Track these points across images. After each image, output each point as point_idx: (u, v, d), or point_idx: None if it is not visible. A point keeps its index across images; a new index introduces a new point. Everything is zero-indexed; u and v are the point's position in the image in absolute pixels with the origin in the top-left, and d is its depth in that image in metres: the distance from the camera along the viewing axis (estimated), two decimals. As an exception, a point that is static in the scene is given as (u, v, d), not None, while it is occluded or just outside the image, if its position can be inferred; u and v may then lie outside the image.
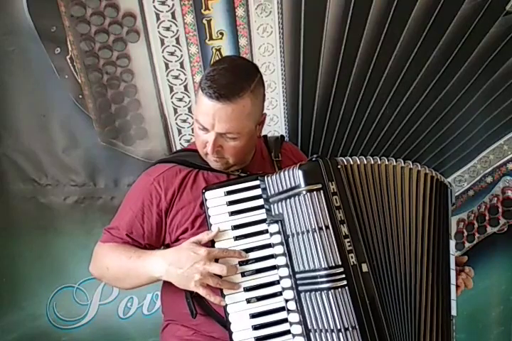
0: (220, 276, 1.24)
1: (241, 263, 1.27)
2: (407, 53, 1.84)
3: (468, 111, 1.97)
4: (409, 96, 1.91)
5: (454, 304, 1.33)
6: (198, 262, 1.22)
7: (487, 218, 2.12)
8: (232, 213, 1.30)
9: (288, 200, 1.24)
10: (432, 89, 1.91)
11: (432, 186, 1.35)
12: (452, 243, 1.38)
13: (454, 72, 1.90)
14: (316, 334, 1.20)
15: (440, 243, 1.33)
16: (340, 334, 1.17)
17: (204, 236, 1.28)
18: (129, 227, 1.38)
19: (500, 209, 2.11)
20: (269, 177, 1.29)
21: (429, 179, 1.36)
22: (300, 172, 1.22)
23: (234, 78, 1.29)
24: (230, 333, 1.25)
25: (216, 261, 1.25)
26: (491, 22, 1.85)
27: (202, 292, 1.24)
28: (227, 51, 1.75)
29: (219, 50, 1.75)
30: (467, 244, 2.14)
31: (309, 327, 1.21)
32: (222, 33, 1.73)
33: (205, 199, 1.31)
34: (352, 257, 1.19)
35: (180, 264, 1.24)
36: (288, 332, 1.24)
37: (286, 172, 1.25)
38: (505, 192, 2.10)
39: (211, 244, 1.29)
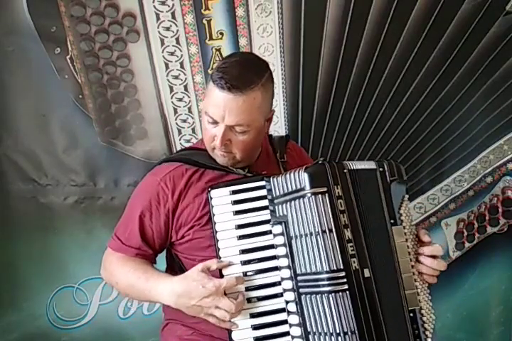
0: None
1: (243, 263, 1.27)
2: (407, 53, 1.84)
3: (468, 111, 1.97)
4: (409, 96, 1.91)
5: (414, 295, 1.27)
6: (208, 297, 1.21)
7: (487, 218, 2.12)
8: (237, 212, 1.30)
9: (292, 202, 1.23)
10: (431, 89, 1.91)
11: (373, 180, 1.30)
12: (398, 228, 1.30)
13: (454, 72, 1.90)
14: (315, 336, 1.19)
15: (379, 233, 1.27)
16: (339, 338, 1.16)
17: (213, 265, 1.26)
18: (141, 228, 1.37)
19: (500, 209, 2.11)
20: (274, 179, 1.29)
21: (365, 173, 1.29)
22: (306, 175, 1.21)
23: (245, 70, 1.29)
24: (230, 332, 1.25)
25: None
26: (491, 22, 1.85)
27: (212, 320, 1.24)
28: (227, 51, 1.75)
29: (219, 50, 1.75)
30: (467, 244, 2.14)
31: (308, 329, 1.20)
32: (222, 33, 1.74)
33: (210, 198, 1.31)
34: (354, 262, 1.19)
35: (189, 297, 1.22)
36: (287, 333, 1.24)
37: (292, 174, 1.24)
38: (505, 192, 2.10)
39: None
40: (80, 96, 1.75)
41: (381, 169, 1.31)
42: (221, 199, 1.31)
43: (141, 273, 1.32)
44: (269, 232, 1.28)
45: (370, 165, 1.31)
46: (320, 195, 1.20)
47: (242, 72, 1.28)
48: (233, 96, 1.26)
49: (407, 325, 1.25)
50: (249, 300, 1.25)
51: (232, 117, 1.28)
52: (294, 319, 1.23)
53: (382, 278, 1.23)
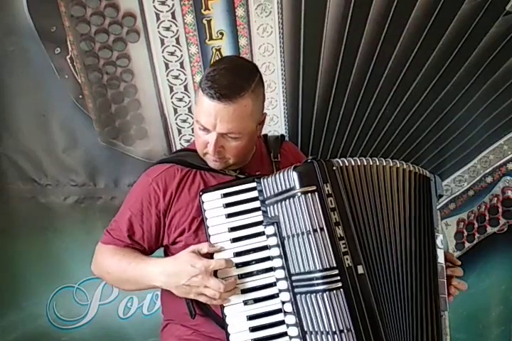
0: None
1: (238, 266, 1.27)
2: (407, 53, 1.84)
3: (468, 111, 1.97)
4: (409, 97, 1.91)
5: (444, 299, 1.32)
6: (196, 276, 1.23)
7: (487, 218, 2.12)
8: (229, 215, 1.30)
9: (283, 202, 1.24)
10: (431, 89, 1.91)
11: (415, 181, 1.34)
12: (439, 237, 1.35)
13: (454, 72, 1.90)
14: (312, 336, 1.20)
15: (424, 237, 1.31)
16: (336, 336, 1.17)
17: (204, 248, 1.27)
18: (129, 228, 1.39)
19: (500, 209, 2.11)
20: (265, 179, 1.29)
21: (413, 175, 1.34)
22: (295, 174, 1.22)
23: (234, 78, 1.28)
24: (228, 335, 1.26)
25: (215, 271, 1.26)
26: (491, 22, 1.85)
27: (202, 299, 1.26)
28: (227, 51, 1.75)
29: (219, 50, 1.75)
30: (467, 244, 2.14)
31: (305, 329, 1.21)
32: (222, 33, 1.73)
33: (202, 202, 1.31)
34: (347, 259, 1.19)
35: (179, 277, 1.25)
36: (285, 333, 1.25)
37: (281, 174, 1.25)
38: (505, 192, 2.10)
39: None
40: (80, 96, 1.75)
41: (432, 180, 1.37)
42: (213, 202, 1.31)
43: (132, 259, 1.34)
44: (263, 234, 1.28)
45: (427, 173, 1.37)
46: (310, 194, 1.21)
47: (231, 79, 1.28)
48: (223, 105, 1.26)
49: (440, 326, 1.29)
50: (245, 302, 1.26)
51: (223, 125, 1.28)
52: (291, 319, 1.23)
53: (381, 271, 1.23)
